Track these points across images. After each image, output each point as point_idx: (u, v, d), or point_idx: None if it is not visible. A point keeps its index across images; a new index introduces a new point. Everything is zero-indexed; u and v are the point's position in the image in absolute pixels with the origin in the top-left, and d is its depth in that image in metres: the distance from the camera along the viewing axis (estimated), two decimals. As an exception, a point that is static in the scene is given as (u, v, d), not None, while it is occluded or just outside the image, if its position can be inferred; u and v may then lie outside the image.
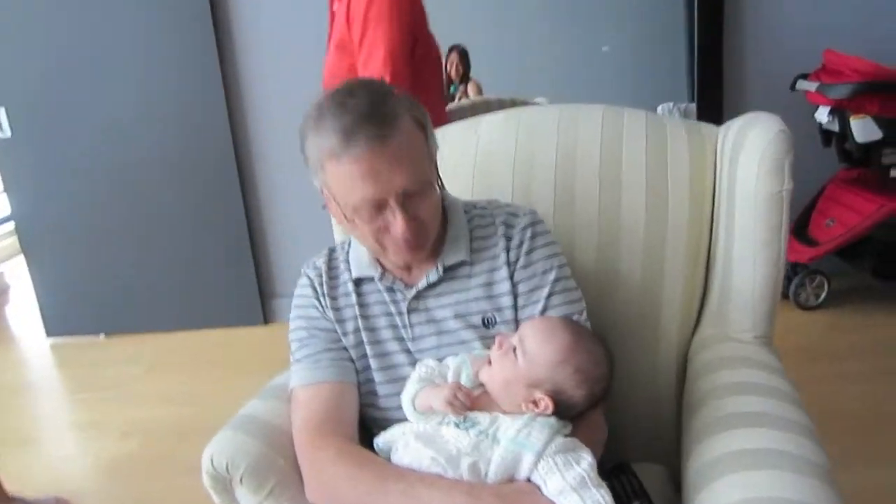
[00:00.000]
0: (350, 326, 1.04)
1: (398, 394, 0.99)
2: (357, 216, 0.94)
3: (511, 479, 0.86)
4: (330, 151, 0.89)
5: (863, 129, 2.23)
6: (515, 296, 1.02)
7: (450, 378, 0.96)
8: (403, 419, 0.97)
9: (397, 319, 1.04)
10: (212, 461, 0.96)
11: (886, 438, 1.89)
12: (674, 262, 1.21)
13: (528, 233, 1.04)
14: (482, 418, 0.90)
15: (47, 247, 2.99)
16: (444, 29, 2.60)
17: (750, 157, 1.08)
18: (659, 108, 2.73)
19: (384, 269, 1.05)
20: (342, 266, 1.08)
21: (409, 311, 1.03)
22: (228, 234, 2.94)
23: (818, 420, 0.95)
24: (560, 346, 0.91)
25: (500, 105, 2.44)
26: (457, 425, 0.89)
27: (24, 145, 2.83)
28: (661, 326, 1.22)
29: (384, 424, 1.00)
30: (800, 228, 2.56)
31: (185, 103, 2.78)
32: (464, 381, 0.95)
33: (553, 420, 0.89)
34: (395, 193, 0.91)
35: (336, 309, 1.05)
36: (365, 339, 1.04)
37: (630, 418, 1.21)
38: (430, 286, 1.03)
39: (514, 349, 0.92)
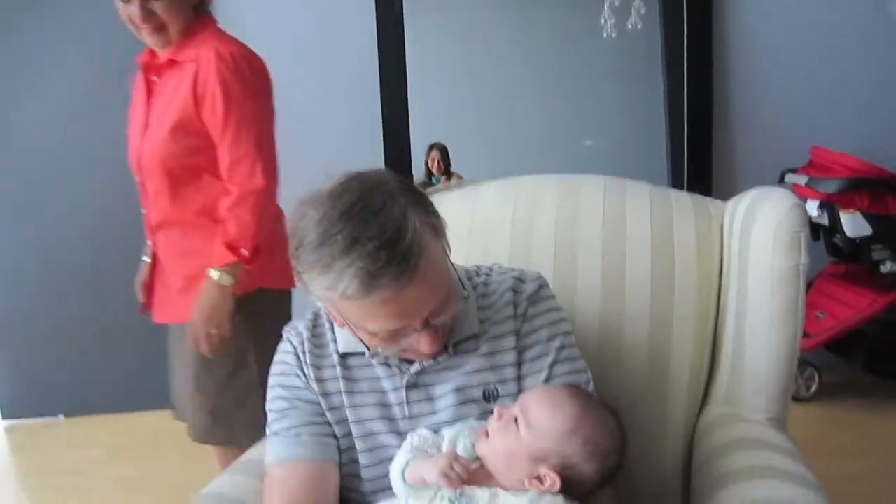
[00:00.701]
0: (335, 401, 0.94)
1: (384, 477, 0.89)
2: (372, 339, 0.85)
3: (512, 565, 0.76)
4: (346, 296, 0.77)
5: (853, 224, 2.24)
6: (520, 365, 0.94)
7: (445, 448, 0.86)
8: (389, 502, 0.87)
9: (391, 397, 0.93)
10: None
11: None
12: (681, 337, 1.15)
13: (534, 298, 0.97)
14: (480, 493, 0.81)
15: (2, 325, 2.84)
16: (424, 126, 2.67)
17: (764, 230, 1.04)
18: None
19: None
20: (329, 335, 0.98)
21: (409, 388, 0.93)
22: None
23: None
24: (568, 415, 0.82)
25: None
26: (451, 501, 0.80)
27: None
28: (668, 403, 1.15)
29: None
30: (790, 321, 2.53)
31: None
32: (460, 451, 0.86)
33: (560, 499, 0.80)
34: (420, 320, 0.83)
35: (320, 380, 0.94)
36: (349, 418, 0.93)
37: (637, 500, 1.11)
38: (437, 362, 0.94)
39: (516, 420, 0.83)
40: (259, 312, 1.48)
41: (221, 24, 1.51)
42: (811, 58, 2.57)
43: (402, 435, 0.92)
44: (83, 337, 2.83)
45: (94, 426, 2.81)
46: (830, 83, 2.59)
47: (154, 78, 1.49)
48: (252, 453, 1.04)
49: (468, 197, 1.34)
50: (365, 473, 0.92)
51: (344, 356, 0.95)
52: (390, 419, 0.93)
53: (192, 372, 1.53)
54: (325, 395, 0.94)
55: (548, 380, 0.93)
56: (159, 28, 1.40)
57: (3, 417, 2.91)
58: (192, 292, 1.44)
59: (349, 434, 0.93)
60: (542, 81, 2.77)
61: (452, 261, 1.01)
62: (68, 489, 2.37)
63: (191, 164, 1.44)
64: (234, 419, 1.52)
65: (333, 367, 0.95)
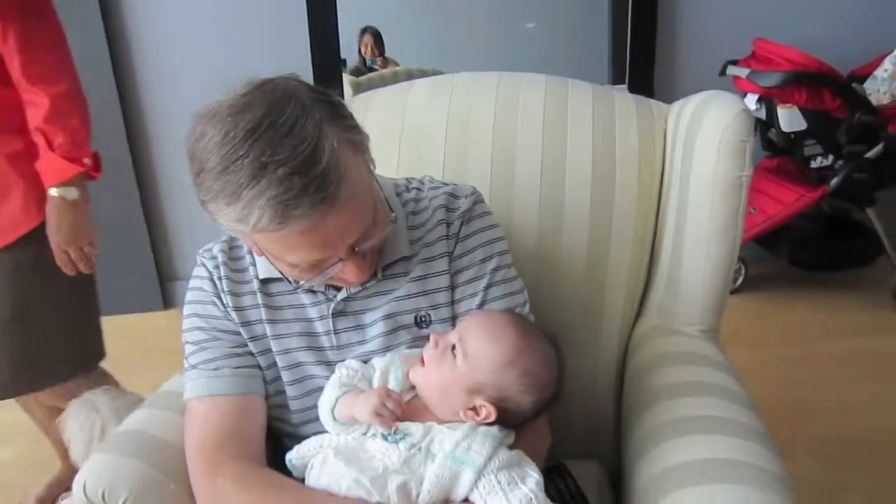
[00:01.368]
0: (257, 330, 0.87)
1: (313, 408, 0.84)
2: (293, 270, 0.77)
3: (446, 501, 0.74)
4: (256, 227, 0.68)
5: (789, 118, 2.23)
6: (453, 289, 0.89)
7: (376, 381, 0.82)
8: (318, 433, 0.83)
9: (318, 325, 0.87)
10: (84, 489, 0.79)
11: (803, 426, 1.91)
12: (620, 248, 1.12)
13: (467, 216, 0.90)
14: (414, 429, 0.77)
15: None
16: (354, 9, 2.46)
17: (709, 139, 0.99)
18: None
19: None
20: (247, 258, 0.89)
21: (335, 316, 0.87)
22: (119, 211, 2.64)
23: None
24: (507, 346, 0.78)
25: (421, 74, 2.31)
26: (385, 437, 0.76)
27: None
28: (604, 317, 1.13)
29: (298, 439, 0.85)
30: (721, 215, 2.57)
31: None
32: (392, 383, 0.82)
33: (495, 430, 0.78)
34: (345, 248, 0.75)
35: (240, 310, 0.87)
36: (273, 348, 0.87)
37: (567, 415, 1.12)
38: (364, 288, 0.87)
39: (453, 348, 0.79)
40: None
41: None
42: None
43: (330, 365, 0.87)
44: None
45: None
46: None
47: None
48: (169, 385, 0.98)
49: (399, 97, 1.23)
50: (293, 405, 0.88)
51: (265, 282, 0.88)
52: (317, 349, 0.87)
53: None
54: (246, 324, 0.87)
55: (482, 303, 0.88)
56: None
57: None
58: None
59: (274, 365, 0.88)
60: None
61: (379, 173, 0.92)
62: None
63: None
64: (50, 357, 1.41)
65: (254, 293, 0.88)
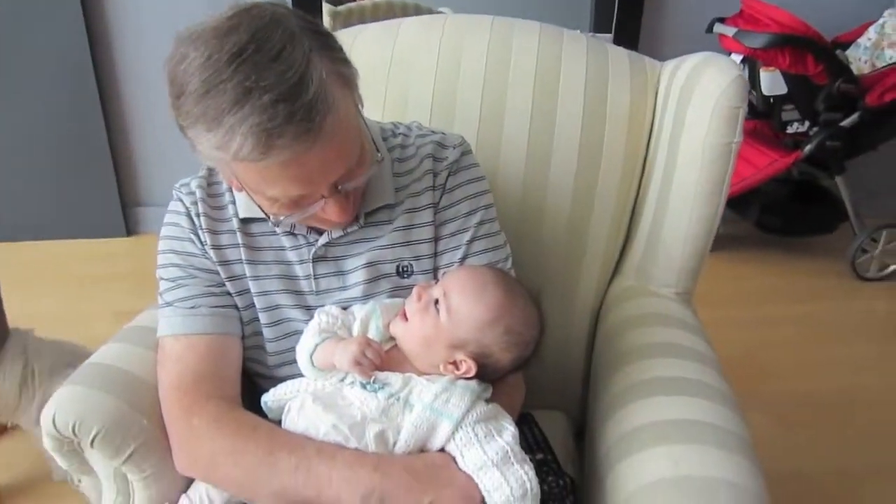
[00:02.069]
0: (236, 270, 0.85)
1: (290, 350, 0.84)
2: (273, 205, 0.74)
3: (422, 450, 0.75)
4: (237, 156, 0.65)
5: (771, 81, 2.23)
6: (437, 240, 0.88)
7: (356, 329, 0.82)
8: (294, 376, 0.83)
9: (297, 269, 0.86)
10: (54, 422, 0.77)
11: (760, 386, 1.99)
12: (603, 208, 1.11)
13: (454, 167, 0.89)
14: (393, 379, 0.77)
15: None
16: None
17: (702, 103, 0.98)
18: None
19: None
20: (227, 195, 0.87)
21: (316, 261, 0.85)
22: (83, 134, 2.56)
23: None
24: (491, 304, 0.78)
25: (402, 9, 2.23)
26: (363, 386, 0.76)
27: None
28: (582, 274, 1.14)
29: (274, 382, 0.85)
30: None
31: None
32: (373, 333, 0.81)
33: (474, 384, 0.78)
34: (328, 186, 0.72)
35: (218, 247, 0.85)
36: (252, 289, 0.85)
37: (538, 367, 1.13)
38: (346, 234, 0.86)
39: (436, 303, 0.79)
40: None
41: None
42: None
43: (309, 310, 0.86)
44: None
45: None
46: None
47: None
48: (142, 319, 0.95)
49: (387, 35, 1.18)
50: (270, 347, 0.87)
51: (245, 221, 0.86)
52: (296, 293, 0.86)
53: None
54: (225, 263, 0.85)
55: (465, 257, 0.88)
56: None
57: None
58: None
59: (252, 306, 0.86)
60: None
61: (365, 114, 0.89)
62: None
63: None
64: None
65: (233, 232, 0.85)
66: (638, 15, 2.49)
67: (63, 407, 0.78)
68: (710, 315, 2.25)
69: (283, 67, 0.63)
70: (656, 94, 1.12)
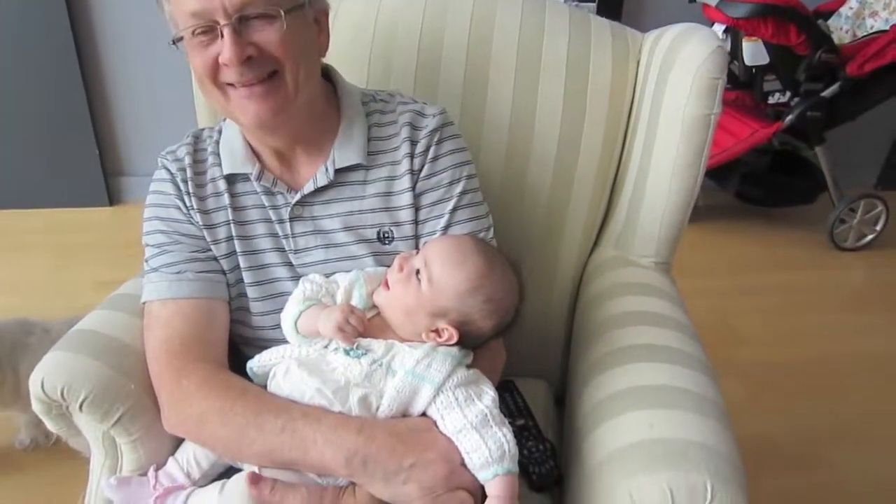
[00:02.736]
0: (221, 233, 0.87)
1: (275, 311, 0.85)
2: (189, 46, 0.76)
3: (404, 414, 0.77)
4: None
5: (753, 52, 2.25)
6: (417, 209, 0.89)
7: (340, 297, 0.83)
8: (279, 340, 0.84)
9: (277, 228, 0.88)
10: (42, 386, 0.79)
11: (733, 352, 2.04)
12: (584, 178, 1.13)
13: (436, 137, 0.90)
14: (376, 345, 0.79)
15: None
16: None
17: (682, 75, 0.99)
18: None
19: (263, 167, 0.88)
20: (211, 159, 0.89)
21: (293, 219, 0.87)
22: (63, 103, 2.52)
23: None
24: (472, 273, 0.80)
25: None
26: (346, 352, 0.78)
27: None
28: (563, 244, 1.16)
29: (257, 345, 0.87)
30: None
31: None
32: (356, 301, 0.83)
33: (455, 350, 0.80)
34: (222, 9, 0.73)
35: (204, 212, 0.87)
36: (238, 249, 0.87)
37: (519, 336, 1.15)
38: (318, 191, 0.87)
39: (418, 273, 0.80)
40: None
41: None
42: None
43: (292, 268, 0.88)
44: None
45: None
46: None
47: None
48: (127, 287, 0.96)
49: (370, 5, 1.18)
50: (254, 307, 0.89)
51: (230, 180, 0.88)
52: (280, 250, 0.88)
53: None
54: (210, 227, 0.87)
55: (448, 226, 0.89)
56: None
57: None
58: None
59: (237, 268, 0.88)
60: None
61: (349, 82, 0.94)
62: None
63: None
64: None
65: (219, 194, 0.88)
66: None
67: (51, 372, 0.80)
68: (687, 284, 2.29)
69: None
70: (638, 64, 1.13)
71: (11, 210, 2.66)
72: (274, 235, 0.88)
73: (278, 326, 0.84)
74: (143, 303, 0.85)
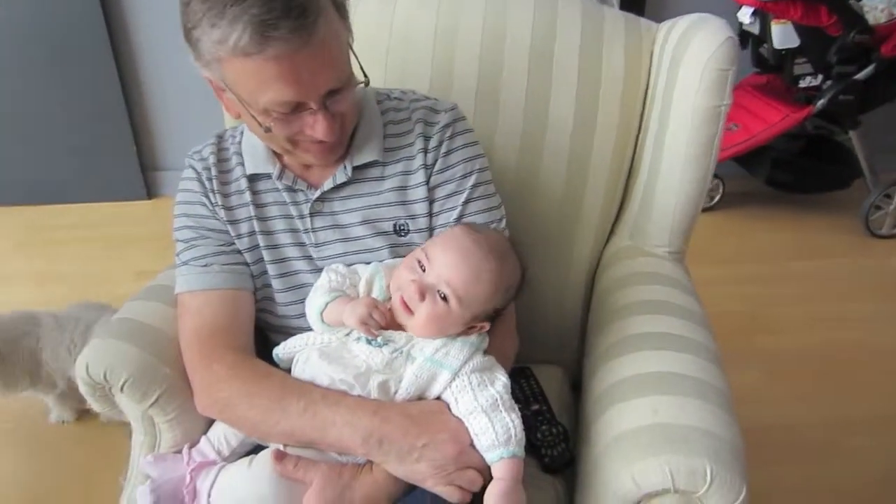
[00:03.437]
0: (244, 228, 0.93)
1: (298, 302, 0.91)
2: (267, 118, 0.79)
3: (420, 397, 0.82)
4: (237, 48, 0.72)
5: (782, 34, 2.21)
6: (431, 202, 0.93)
7: (361, 289, 0.88)
8: (302, 328, 0.90)
9: (298, 223, 0.93)
10: (87, 370, 0.86)
11: (758, 341, 2.03)
12: (598, 170, 1.16)
13: (448, 132, 0.94)
14: (398, 336, 0.83)
15: None
16: None
17: (692, 66, 1.01)
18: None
19: (283, 166, 0.93)
20: (234, 159, 0.95)
21: (312, 215, 0.92)
22: (98, 96, 2.61)
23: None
24: (491, 278, 0.83)
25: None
26: (368, 342, 0.83)
27: None
28: (578, 236, 1.19)
29: (283, 332, 0.93)
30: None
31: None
32: (376, 292, 0.87)
33: (473, 338, 0.85)
34: (317, 95, 0.77)
35: (228, 208, 0.93)
36: (261, 243, 0.93)
37: (536, 325, 1.19)
38: (337, 187, 0.92)
39: (440, 295, 0.82)
40: None
41: None
42: None
43: (312, 261, 0.93)
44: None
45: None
46: None
47: None
48: (162, 278, 1.03)
49: (385, 8, 1.22)
50: (279, 297, 0.94)
51: (252, 179, 0.93)
52: (300, 245, 0.93)
53: None
54: (234, 222, 0.93)
55: (461, 217, 0.94)
56: None
57: None
58: None
59: (261, 260, 0.93)
60: None
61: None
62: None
63: None
64: None
65: (242, 192, 0.93)
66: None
67: (95, 357, 0.87)
68: (717, 271, 2.32)
69: None
70: (651, 56, 1.14)
71: (54, 205, 2.77)
72: (294, 231, 0.93)
73: (302, 315, 0.90)
74: (177, 294, 0.91)
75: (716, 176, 2.64)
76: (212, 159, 0.94)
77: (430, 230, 0.94)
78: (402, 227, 0.93)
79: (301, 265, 0.93)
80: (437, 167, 0.93)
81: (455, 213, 0.93)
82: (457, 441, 0.77)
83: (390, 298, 0.87)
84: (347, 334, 0.85)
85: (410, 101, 0.97)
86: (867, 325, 2.10)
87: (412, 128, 0.94)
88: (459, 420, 0.79)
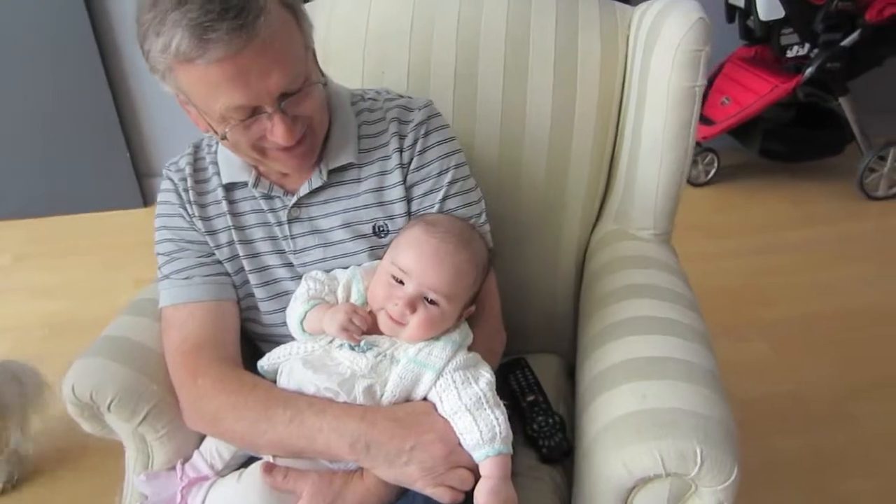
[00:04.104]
0: (223, 238, 0.92)
1: (282, 310, 0.91)
2: (225, 126, 0.79)
3: (407, 399, 0.82)
4: (178, 54, 0.71)
5: (768, 5, 2.19)
6: (409, 200, 0.93)
7: (340, 294, 0.88)
8: (289, 336, 0.89)
9: (276, 230, 0.93)
10: (73, 391, 0.86)
11: (760, 312, 2.03)
12: (580, 157, 1.15)
13: (423, 129, 0.93)
14: (381, 340, 0.83)
15: None
16: None
17: (665, 47, 1.00)
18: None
19: (259, 174, 0.92)
20: (210, 168, 0.94)
21: (290, 221, 0.92)
22: (88, 104, 2.62)
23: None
24: (468, 270, 0.84)
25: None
26: (352, 348, 0.82)
27: None
28: (564, 223, 1.18)
29: (270, 340, 0.93)
30: (697, 106, 2.57)
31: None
32: (354, 296, 0.87)
33: (456, 335, 0.84)
34: (270, 97, 0.76)
35: (205, 219, 0.92)
36: (241, 253, 0.92)
37: (528, 315, 1.20)
38: (314, 192, 0.92)
39: (431, 301, 0.82)
40: None
41: None
42: None
43: (293, 267, 0.92)
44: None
45: (-3, 232, 2.72)
46: None
47: None
48: (147, 292, 1.03)
49: (362, 4, 1.21)
50: (263, 306, 0.94)
51: (228, 188, 0.93)
52: (280, 252, 0.93)
53: None
54: (212, 232, 0.92)
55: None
56: None
57: None
58: None
59: (242, 270, 0.93)
60: None
61: (344, 82, 0.99)
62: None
63: None
64: None
65: (218, 202, 0.93)
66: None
67: (81, 377, 0.87)
68: (715, 246, 2.32)
69: None
70: (627, 40, 1.13)
71: (50, 217, 2.78)
72: (273, 238, 0.93)
73: (286, 323, 0.89)
74: (160, 308, 0.91)
75: (711, 150, 2.64)
76: (188, 170, 0.94)
77: None
78: (381, 229, 0.92)
79: (282, 273, 0.93)
80: (412, 165, 0.93)
81: (434, 211, 0.93)
82: (444, 441, 0.77)
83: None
84: (330, 342, 0.84)
85: (385, 100, 0.96)
86: (869, 288, 2.10)
87: (387, 127, 0.93)
88: (447, 420, 0.79)
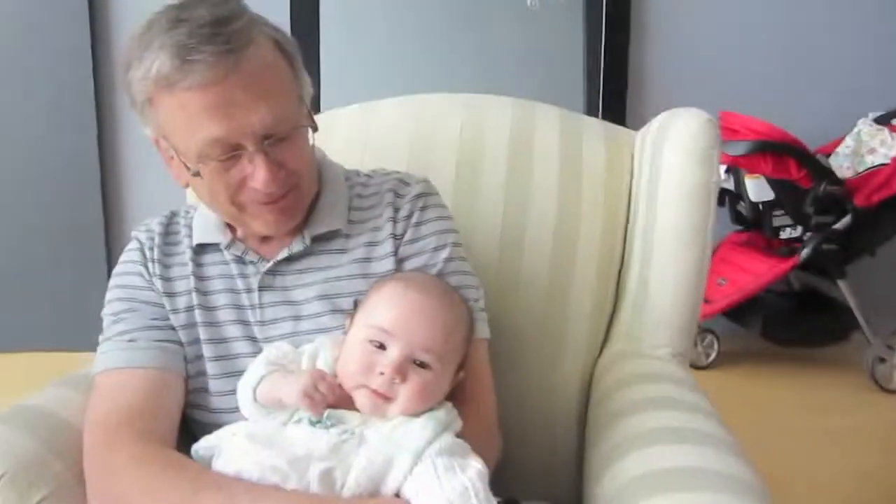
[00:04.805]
0: (182, 302, 0.81)
1: (234, 393, 0.75)
2: (204, 166, 0.72)
3: (373, 494, 0.64)
4: (159, 78, 0.68)
5: (757, 189, 2.25)
6: None
7: (304, 363, 0.74)
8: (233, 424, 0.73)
9: (244, 298, 0.81)
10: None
11: (773, 501, 1.80)
12: (584, 271, 1.06)
13: (420, 203, 0.86)
14: (349, 416, 0.68)
15: None
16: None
17: (676, 147, 0.97)
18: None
19: (234, 237, 0.83)
20: (183, 231, 0.86)
21: (262, 289, 0.81)
22: (80, 245, 2.59)
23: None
24: (456, 326, 0.75)
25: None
26: (312, 423, 0.67)
27: None
28: (566, 341, 1.06)
29: (217, 429, 0.76)
30: (692, 287, 2.54)
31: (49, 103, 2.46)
32: (321, 367, 0.73)
33: (442, 413, 0.70)
34: (252, 134, 0.70)
35: (166, 279, 0.82)
36: (199, 320, 0.80)
37: (523, 452, 1.02)
38: (292, 259, 0.82)
39: (422, 364, 0.70)
40: None
41: None
42: (723, 25, 2.58)
43: (255, 342, 0.80)
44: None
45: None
46: (741, 50, 2.59)
47: None
48: (86, 367, 0.88)
49: (365, 113, 1.21)
50: (213, 385, 0.79)
51: (198, 250, 0.83)
52: (243, 323, 0.81)
53: None
54: (171, 294, 0.81)
55: None
56: None
57: None
58: None
59: (196, 341, 0.80)
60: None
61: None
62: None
63: None
64: None
65: (185, 263, 0.83)
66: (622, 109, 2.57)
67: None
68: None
69: (218, 11, 0.69)
70: (632, 158, 1.11)
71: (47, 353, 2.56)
72: (239, 307, 0.81)
73: (238, 410, 0.74)
74: (93, 376, 0.77)
75: (710, 331, 2.55)
76: (158, 229, 0.86)
77: None
78: None
79: (241, 347, 0.80)
80: (406, 237, 0.84)
81: None
82: None
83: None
84: (285, 423, 0.69)
85: (381, 175, 0.91)
86: (882, 485, 1.90)
87: (381, 200, 0.87)
88: None
